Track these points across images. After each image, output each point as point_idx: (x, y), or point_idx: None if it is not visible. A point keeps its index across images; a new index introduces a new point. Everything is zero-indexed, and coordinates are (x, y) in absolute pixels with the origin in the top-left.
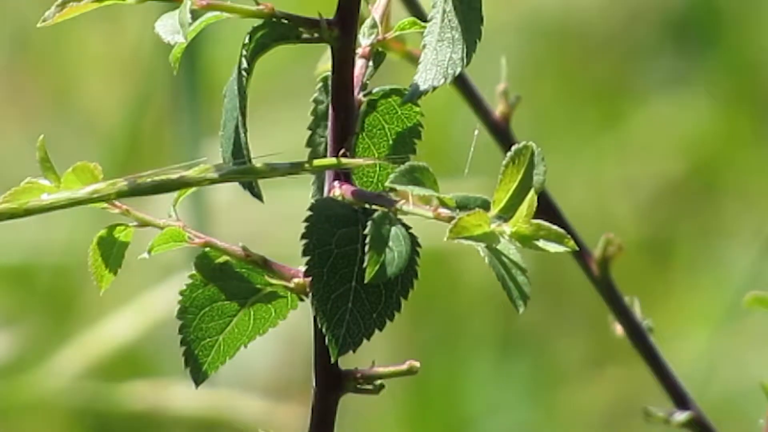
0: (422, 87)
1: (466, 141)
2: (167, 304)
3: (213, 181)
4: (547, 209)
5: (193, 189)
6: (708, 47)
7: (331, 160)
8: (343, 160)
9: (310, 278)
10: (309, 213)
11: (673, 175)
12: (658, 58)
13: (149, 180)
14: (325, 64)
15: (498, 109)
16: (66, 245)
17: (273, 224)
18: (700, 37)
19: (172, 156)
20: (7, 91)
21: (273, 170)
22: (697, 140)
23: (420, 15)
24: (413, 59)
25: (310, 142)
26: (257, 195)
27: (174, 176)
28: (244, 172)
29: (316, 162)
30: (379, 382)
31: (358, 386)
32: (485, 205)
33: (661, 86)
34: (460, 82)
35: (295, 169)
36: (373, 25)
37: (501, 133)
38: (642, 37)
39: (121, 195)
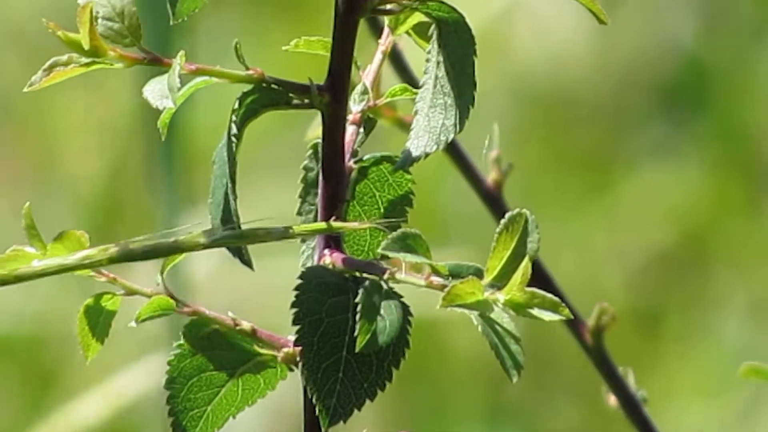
0: (414, 154)
1: (455, 209)
2: (143, 382)
3: (206, 246)
4: (539, 278)
5: (183, 256)
6: (698, 115)
7: (321, 225)
8: (335, 224)
9: (300, 347)
10: (299, 281)
11: (663, 244)
12: (647, 125)
13: (141, 246)
14: (315, 131)
15: (490, 177)
16: (44, 316)
17: (257, 294)
18: (690, 104)
19: (155, 223)
20: None
21: (267, 235)
22: (688, 209)
23: (412, 81)
24: (404, 126)
25: (300, 210)
26: (247, 262)
27: (167, 241)
28: (238, 237)
29: (307, 226)
30: None
31: None
32: (478, 273)
33: (650, 154)
34: (451, 148)
35: (288, 234)
36: (364, 91)
37: (493, 201)
38: (631, 104)
39: (112, 261)
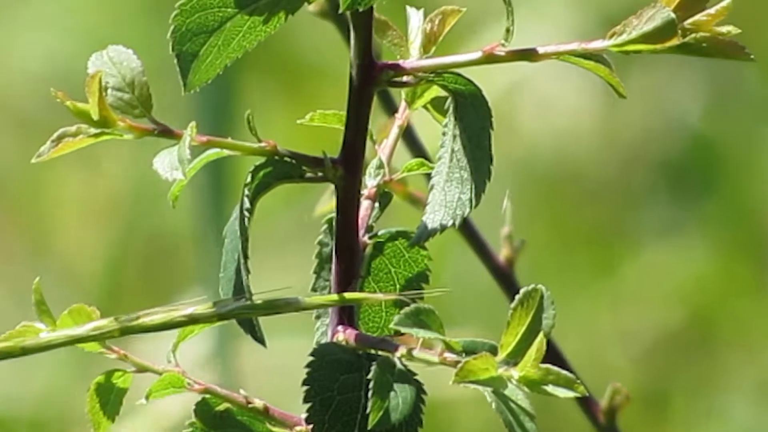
0: (431, 227)
1: (459, 288)
2: None
3: (221, 318)
4: (550, 355)
5: (196, 331)
6: (705, 193)
7: (334, 297)
8: (348, 295)
9: (311, 426)
10: (311, 358)
11: (669, 325)
12: (653, 204)
13: (154, 317)
14: (323, 206)
15: (502, 254)
16: (43, 397)
17: (268, 372)
18: (697, 182)
19: (155, 301)
20: None
21: (285, 306)
22: (695, 289)
23: (422, 155)
24: (415, 201)
25: (315, 286)
26: (260, 339)
27: (180, 313)
28: (253, 308)
29: (321, 298)
30: None
31: None
32: (492, 350)
33: (657, 233)
34: (462, 224)
35: (303, 305)
36: (380, 165)
37: (505, 277)
38: (637, 182)
39: (124, 333)
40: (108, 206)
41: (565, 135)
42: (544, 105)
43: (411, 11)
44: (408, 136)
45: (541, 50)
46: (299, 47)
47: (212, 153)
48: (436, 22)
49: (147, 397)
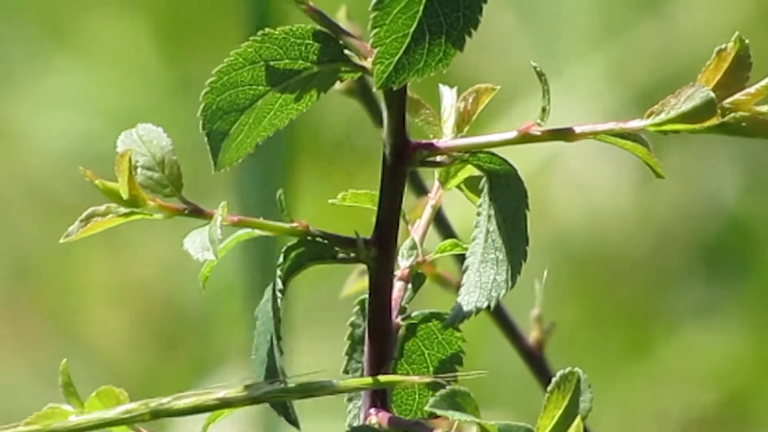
0: (465, 309)
1: (495, 370)
2: None
3: (254, 401)
4: None
5: (225, 414)
6: (741, 273)
7: (368, 380)
8: (382, 378)
9: None
10: None
11: (704, 406)
12: (689, 284)
13: (185, 400)
14: (352, 286)
15: (532, 336)
16: None
17: None
18: (733, 263)
19: (180, 384)
20: (6, 321)
21: (321, 388)
22: (730, 370)
23: (452, 235)
24: (444, 282)
25: (347, 368)
26: (293, 422)
27: (212, 396)
28: (287, 392)
29: (356, 381)
30: None
31: None
32: None
33: (692, 313)
34: None
35: (337, 388)
36: (413, 246)
37: (535, 360)
38: (672, 261)
39: (155, 416)
40: (134, 287)
41: (598, 213)
42: (577, 182)
43: (444, 89)
44: (436, 216)
45: (577, 130)
46: (331, 125)
47: (243, 233)
48: (470, 100)
49: None
